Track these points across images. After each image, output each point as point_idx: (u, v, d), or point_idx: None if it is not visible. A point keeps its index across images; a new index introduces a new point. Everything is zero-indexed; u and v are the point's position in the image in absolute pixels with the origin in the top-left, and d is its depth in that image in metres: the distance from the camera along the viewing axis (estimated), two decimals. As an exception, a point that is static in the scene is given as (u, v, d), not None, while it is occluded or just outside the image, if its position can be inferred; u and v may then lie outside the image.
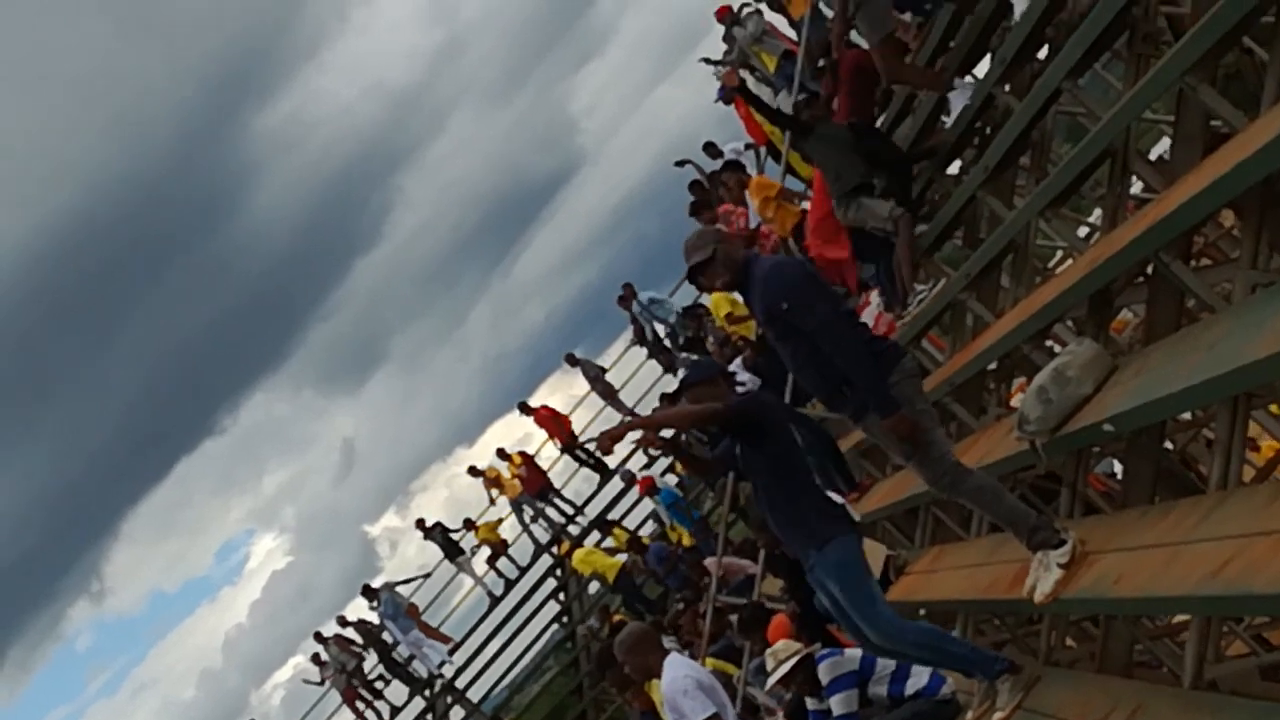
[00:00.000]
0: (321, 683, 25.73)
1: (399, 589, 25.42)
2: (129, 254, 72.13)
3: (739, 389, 13.01)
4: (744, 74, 15.08)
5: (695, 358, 17.62)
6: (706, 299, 17.24)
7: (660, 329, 21.90)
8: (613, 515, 24.77)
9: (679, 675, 6.87)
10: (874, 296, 11.07)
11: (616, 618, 20.67)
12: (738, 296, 8.60)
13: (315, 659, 25.72)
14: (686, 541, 20.47)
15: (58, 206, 67.89)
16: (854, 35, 10.85)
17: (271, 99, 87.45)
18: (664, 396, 18.54)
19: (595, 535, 24.17)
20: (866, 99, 11.03)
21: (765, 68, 14.74)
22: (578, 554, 23.09)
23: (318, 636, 25.76)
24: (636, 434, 7.76)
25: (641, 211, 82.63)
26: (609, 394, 24.53)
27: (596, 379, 24.49)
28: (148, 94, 71.38)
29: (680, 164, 18.22)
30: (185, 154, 75.66)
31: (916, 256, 10.20)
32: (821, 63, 12.26)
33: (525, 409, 25.21)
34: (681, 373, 7.67)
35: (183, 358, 76.82)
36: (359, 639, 25.64)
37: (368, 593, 25.13)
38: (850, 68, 10.56)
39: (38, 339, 69.29)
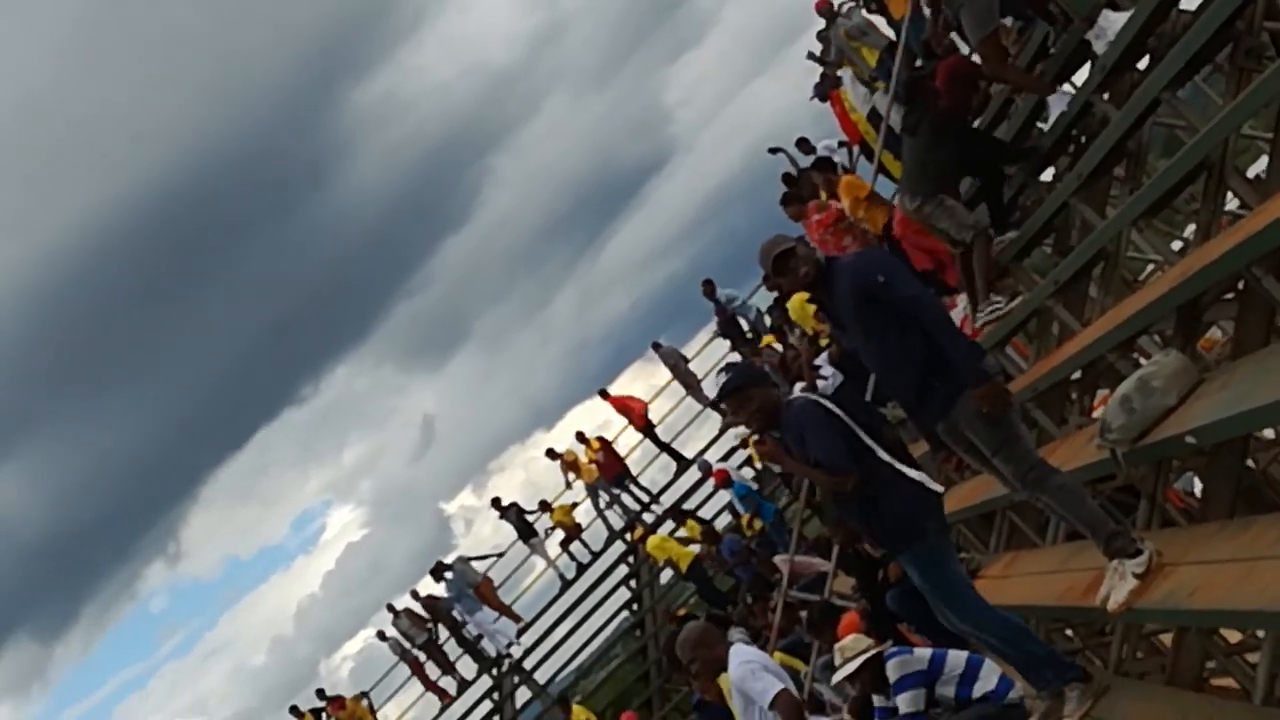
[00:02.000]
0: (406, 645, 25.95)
1: (473, 563, 25.71)
2: (223, 223, 73.16)
3: (821, 382, 13.03)
4: (841, 71, 15.06)
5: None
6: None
7: (743, 323, 21.96)
8: (688, 505, 24.82)
9: (742, 661, 6.94)
10: (960, 299, 11.04)
11: (682, 612, 20.75)
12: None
13: (380, 635, 26.07)
14: (751, 528, 20.51)
15: (160, 172, 69.02)
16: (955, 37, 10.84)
17: (369, 75, 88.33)
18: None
19: (669, 524, 24.28)
20: (963, 105, 10.98)
21: (865, 62, 14.67)
22: (653, 540, 23.21)
23: (390, 608, 26.09)
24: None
25: (732, 205, 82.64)
26: (690, 382, 24.60)
27: (677, 366, 24.57)
28: (245, 66, 72.40)
29: (773, 151, 18.21)
30: (280, 127, 76.67)
31: (992, 271, 10.15)
32: (919, 63, 12.22)
33: (604, 395, 25.56)
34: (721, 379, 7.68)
35: (269, 328, 77.93)
36: (428, 615, 25.91)
37: (437, 572, 25.42)
38: (946, 75, 10.49)
39: (131, 306, 70.55)
